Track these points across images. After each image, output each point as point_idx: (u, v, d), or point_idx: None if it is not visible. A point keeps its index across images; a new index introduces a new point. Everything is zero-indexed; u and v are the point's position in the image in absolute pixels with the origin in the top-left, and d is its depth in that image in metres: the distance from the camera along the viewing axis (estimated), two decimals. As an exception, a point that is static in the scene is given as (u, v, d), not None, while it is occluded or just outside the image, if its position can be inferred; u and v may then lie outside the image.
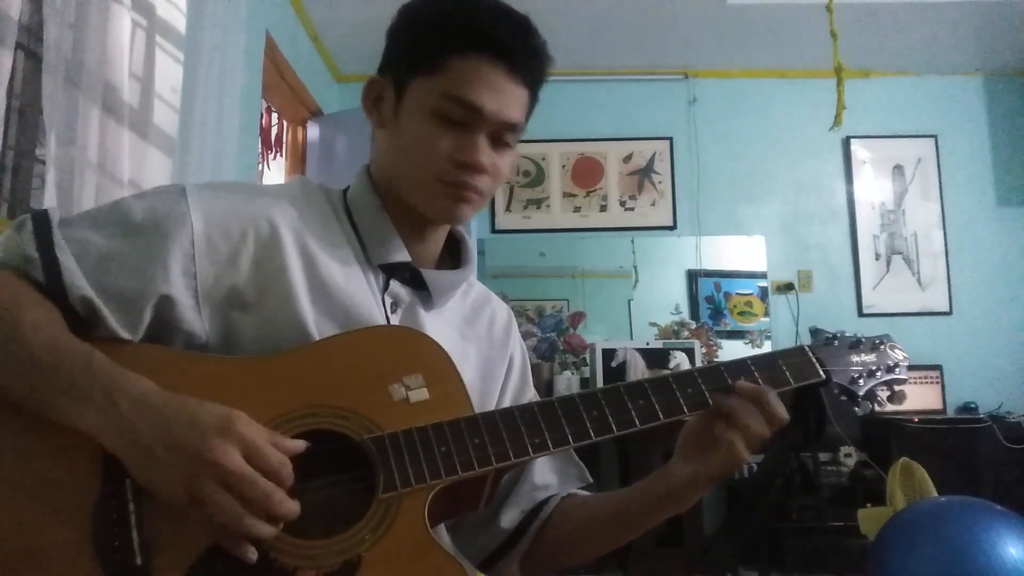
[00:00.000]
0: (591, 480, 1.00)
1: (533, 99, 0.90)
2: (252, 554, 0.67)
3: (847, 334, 0.93)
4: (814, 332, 0.94)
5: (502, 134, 0.86)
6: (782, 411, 0.82)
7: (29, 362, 0.68)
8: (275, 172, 3.53)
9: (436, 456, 0.74)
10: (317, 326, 0.80)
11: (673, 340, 3.79)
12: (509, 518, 0.94)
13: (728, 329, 4.02)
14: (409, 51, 0.86)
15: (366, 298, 0.85)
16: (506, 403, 0.98)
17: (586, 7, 3.55)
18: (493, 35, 0.83)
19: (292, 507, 0.67)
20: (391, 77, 0.88)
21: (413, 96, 0.85)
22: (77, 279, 0.73)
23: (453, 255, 0.98)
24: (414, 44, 0.86)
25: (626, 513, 0.90)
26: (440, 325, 0.91)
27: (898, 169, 4.27)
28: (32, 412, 0.70)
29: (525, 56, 0.85)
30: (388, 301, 0.88)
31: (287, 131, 3.71)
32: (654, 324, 3.96)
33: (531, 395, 1.02)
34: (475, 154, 0.83)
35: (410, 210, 0.88)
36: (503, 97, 0.84)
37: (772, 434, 0.81)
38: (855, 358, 0.91)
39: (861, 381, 0.90)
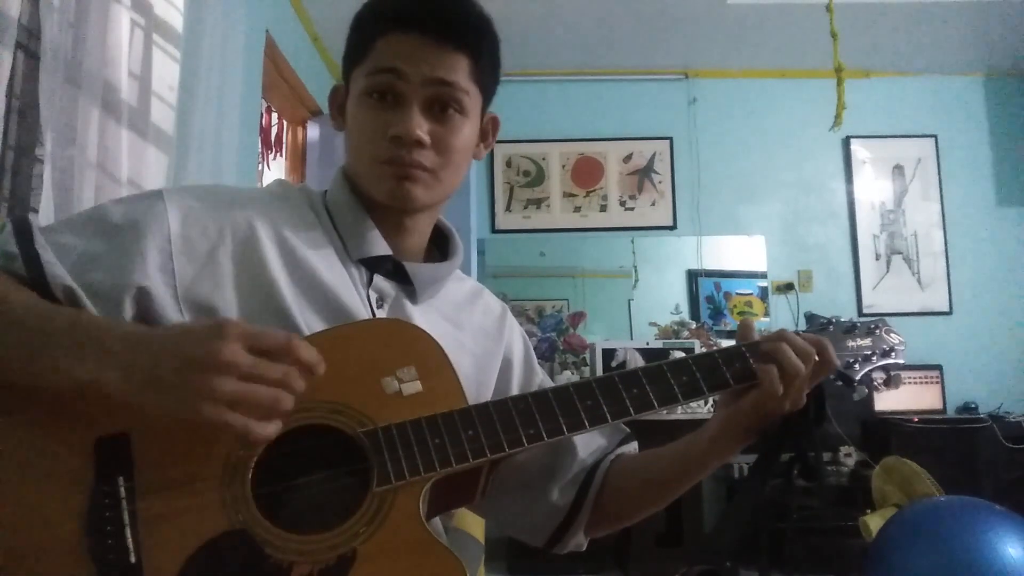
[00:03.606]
0: (629, 430, 0.99)
1: (480, 67, 0.87)
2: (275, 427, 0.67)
3: (842, 319, 0.92)
4: (809, 317, 0.93)
5: (439, 101, 0.85)
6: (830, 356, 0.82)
7: (20, 329, 0.69)
8: (275, 172, 3.53)
9: (430, 448, 0.73)
10: (304, 319, 0.81)
11: (673, 340, 3.79)
12: (562, 495, 0.94)
13: (728, 329, 4.01)
14: (349, 50, 0.89)
15: (350, 293, 0.85)
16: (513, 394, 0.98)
17: (586, 7, 3.55)
18: (411, 11, 0.84)
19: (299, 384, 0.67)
20: (344, 80, 0.91)
21: (352, 88, 0.88)
22: (58, 270, 0.73)
23: (441, 249, 0.98)
24: (351, 42, 0.89)
25: (676, 473, 0.91)
26: (430, 317, 0.91)
27: (898, 169, 4.27)
28: (24, 398, 0.69)
29: (447, 23, 0.84)
30: (373, 296, 0.87)
31: (287, 131, 3.71)
32: (654, 324, 3.95)
33: (540, 380, 1.02)
34: (406, 126, 0.82)
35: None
36: (428, 60, 0.83)
37: (810, 374, 0.81)
38: (850, 343, 0.90)
39: (857, 366, 0.89)
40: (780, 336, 0.82)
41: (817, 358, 0.81)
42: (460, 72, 0.85)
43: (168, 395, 0.64)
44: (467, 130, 0.88)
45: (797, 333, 0.85)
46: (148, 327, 0.69)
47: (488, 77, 0.90)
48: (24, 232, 0.75)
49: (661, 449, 0.94)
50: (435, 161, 0.85)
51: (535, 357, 1.05)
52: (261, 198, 0.87)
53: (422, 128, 0.83)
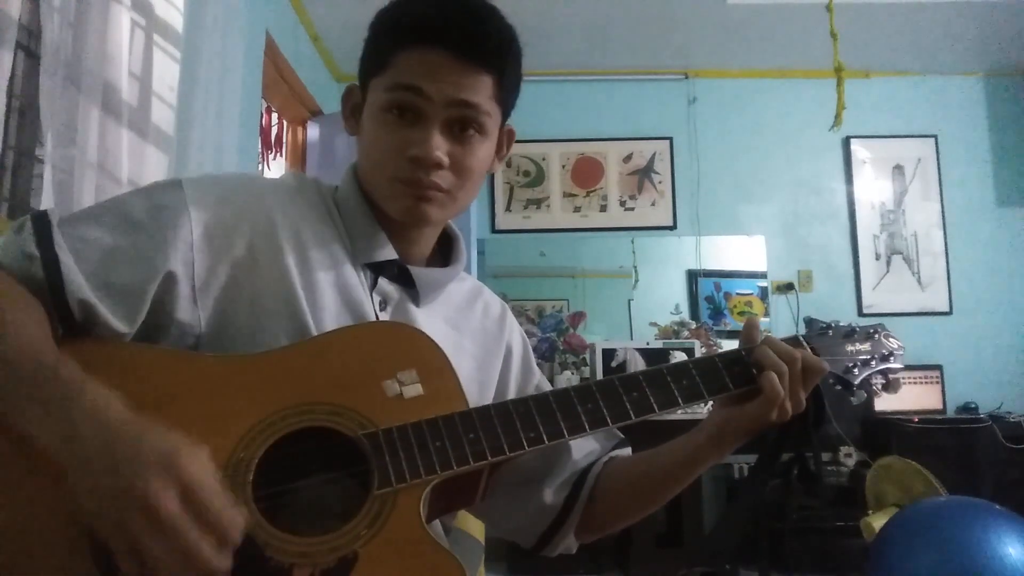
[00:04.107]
0: (623, 436, 1.00)
1: (503, 85, 0.85)
2: None
3: (841, 324, 0.92)
4: (809, 322, 0.94)
5: (460, 121, 0.83)
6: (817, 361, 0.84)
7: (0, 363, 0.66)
8: (275, 172, 3.53)
9: (431, 451, 0.74)
10: (315, 318, 0.81)
11: (673, 340, 3.78)
12: (554, 495, 0.94)
13: (728, 329, 4.01)
14: (367, 57, 0.87)
15: (356, 295, 0.85)
16: (510, 394, 0.98)
17: (586, 7, 3.55)
18: (435, 25, 0.81)
19: (219, 564, 0.60)
20: (360, 85, 0.89)
21: (370, 99, 0.86)
22: (77, 279, 0.72)
23: (444, 251, 0.98)
24: (369, 49, 0.87)
25: (670, 474, 0.92)
26: (432, 320, 0.91)
27: (898, 169, 4.26)
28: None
29: (473, 41, 0.81)
30: (376, 299, 0.87)
31: (287, 131, 3.71)
32: (654, 324, 3.95)
33: (537, 381, 1.02)
34: (426, 147, 0.81)
35: None
36: (451, 79, 0.81)
37: (807, 384, 0.83)
38: (849, 347, 0.90)
39: (856, 370, 0.89)
40: (763, 342, 0.85)
41: (799, 357, 0.83)
42: (483, 93, 0.83)
43: (88, 494, 0.61)
44: (485, 150, 0.87)
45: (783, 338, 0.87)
46: (118, 409, 0.64)
47: (510, 94, 0.88)
48: (44, 230, 0.74)
49: (654, 450, 0.94)
50: (452, 182, 0.84)
51: (533, 358, 1.05)
52: (278, 190, 0.87)
53: (441, 149, 0.82)
